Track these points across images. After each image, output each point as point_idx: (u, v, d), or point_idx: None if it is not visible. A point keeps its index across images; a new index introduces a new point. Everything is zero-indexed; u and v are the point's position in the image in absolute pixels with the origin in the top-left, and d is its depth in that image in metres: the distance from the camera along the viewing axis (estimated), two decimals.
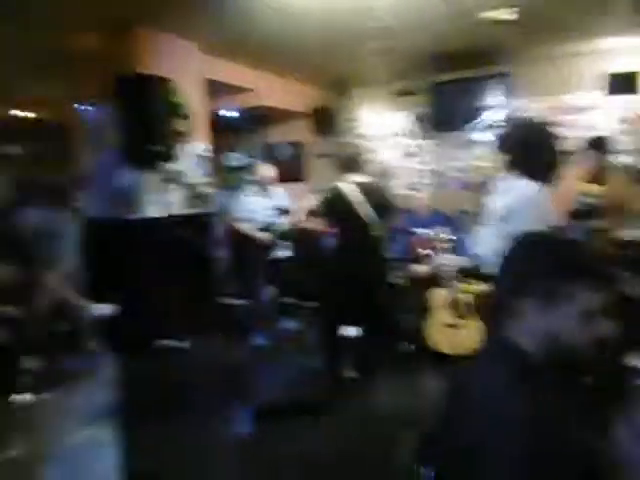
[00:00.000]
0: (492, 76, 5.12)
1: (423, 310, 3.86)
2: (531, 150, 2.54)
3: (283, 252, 4.41)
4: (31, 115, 6.48)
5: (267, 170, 4.31)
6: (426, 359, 3.49)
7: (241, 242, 4.22)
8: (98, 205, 4.31)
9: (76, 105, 4.36)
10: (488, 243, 2.77)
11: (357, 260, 3.13)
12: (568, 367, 0.97)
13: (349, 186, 3.10)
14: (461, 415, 0.98)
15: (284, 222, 4.26)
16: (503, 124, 5.07)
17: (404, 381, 2.75)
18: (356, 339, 3.61)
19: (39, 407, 3.14)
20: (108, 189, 4.16)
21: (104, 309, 3.47)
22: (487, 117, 5.13)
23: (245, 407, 3.02)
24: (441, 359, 3.53)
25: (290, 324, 4.67)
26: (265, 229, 4.18)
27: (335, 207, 3.18)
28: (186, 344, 3.68)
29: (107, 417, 3.00)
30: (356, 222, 3.09)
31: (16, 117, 6.43)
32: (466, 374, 1.07)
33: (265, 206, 4.26)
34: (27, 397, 3.14)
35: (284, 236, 4.29)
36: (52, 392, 3.36)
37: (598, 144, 3.83)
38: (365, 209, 3.06)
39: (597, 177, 3.78)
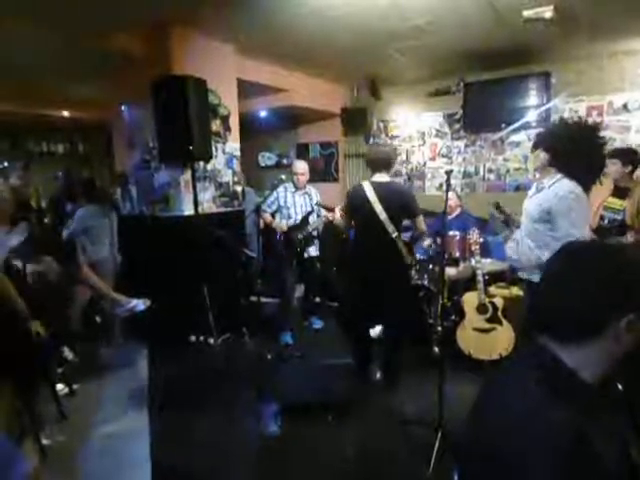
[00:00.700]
0: (530, 75, 4.99)
1: (454, 313, 3.83)
2: (577, 150, 2.47)
3: (315, 251, 4.44)
4: (74, 115, 6.74)
5: (301, 165, 4.34)
6: (455, 363, 3.45)
7: (272, 240, 4.28)
8: (135, 202, 4.46)
9: (116, 106, 4.51)
10: (523, 246, 2.74)
11: (370, 259, 3.15)
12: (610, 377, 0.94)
13: (368, 185, 3.12)
14: (491, 424, 0.96)
15: (317, 220, 4.28)
16: (541, 124, 4.95)
17: (431, 384, 2.73)
18: (382, 340, 3.61)
19: (76, 397, 3.28)
20: (145, 187, 4.30)
21: (138, 304, 3.59)
22: (524, 117, 5.01)
23: (271, 404, 3.07)
24: (470, 363, 3.49)
25: (318, 323, 4.70)
26: (298, 227, 4.21)
27: (353, 206, 3.23)
28: (216, 340, 3.75)
29: (139, 408, 3.11)
30: (370, 221, 3.11)
31: (61, 117, 6.71)
32: (499, 383, 1.04)
33: (301, 202, 4.31)
34: (66, 387, 3.29)
35: (311, 235, 4.30)
36: (88, 382, 3.51)
37: (623, 154, 3.64)
38: (379, 208, 3.06)
39: (622, 189, 3.60)
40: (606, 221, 3.65)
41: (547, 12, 3.52)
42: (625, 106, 4.85)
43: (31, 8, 3.24)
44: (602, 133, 4.65)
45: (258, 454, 2.65)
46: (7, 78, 4.94)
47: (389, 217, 3.08)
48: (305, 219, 4.26)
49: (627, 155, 3.59)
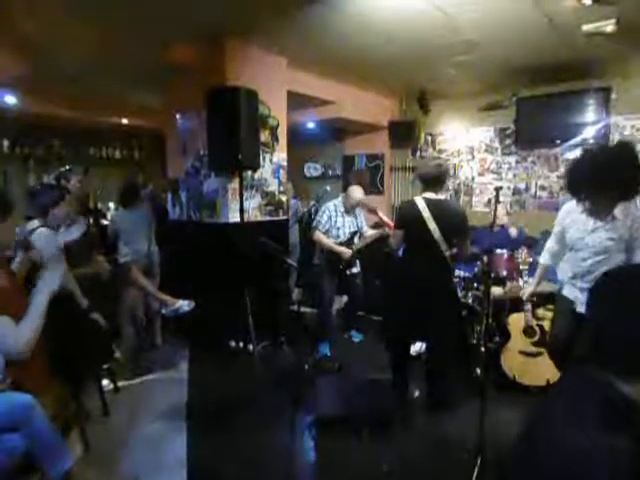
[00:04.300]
0: (588, 90, 4.80)
1: (499, 334, 3.69)
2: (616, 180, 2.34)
3: (357, 268, 4.46)
4: (132, 122, 7.06)
5: (357, 192, 4.36)
6: (498, 386, 3.33)
7: (320, 253, 4.35)
8: (184, 207, 4.60)
9: (171, 114, 4.69)
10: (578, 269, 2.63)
11: (421, 276, 3.06)
12: None
13: (421, 201, 3.06)
14: (551, 458, 0.92)
15: (361, 240, 4.34)
16: (600, 141, 4.75)
17: (472, 406, 2.63)
18: (424, 357, 3.53)
19: (120, 394, 3.39)
20: (194, 193, 4.43)
21: (183, 305, 3.68)
22: (581, 134, 4.82)
23: (307, 415, 3.05)
24: (515, 387, 3.35)
25: (357, 336, 4.65)
26: (346, 243, 4.27)
27: (405, 222, 3.15)
28: (255, 347, 3.79)
29: (177, 410, 3.17)
30: (422, 238, 3.04)
31: (119, 124, 7.05)
32: (555, 416, 0.99)
33: (349, 223, 4.37)
34: (111, 383, 3.41)
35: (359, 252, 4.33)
36: (132, 381, 3.62)
37: None
38: (432, 226, 2.99)
39: None
40: None
41: (608, 26, 3.38)
42: None
43: (95, 19, 3.45)
44: None
45: (291, 465, 2.64)
46: (72, 87, 5.26)
47: (442, 235, 3.01)
48: (351, 239, 4.33)
49: None
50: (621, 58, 4.30)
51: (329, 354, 4.18)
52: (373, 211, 4.25)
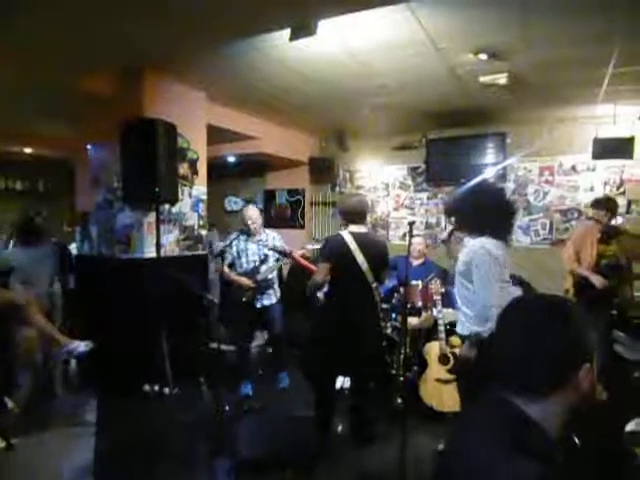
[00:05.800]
0: (487, 135, 5.30)
1: (416, 363, 3.81)
2: (479, 215, 2.60)
3: (269, 299, 4.19)
4: (36, 152, 6.60)
5: (252, 211, 4.15)
6: (418, 414, 3.40)
7: (228, 287, 4.17)
8: (94, 242, 4.33)
9: (81, 144, 4.46)
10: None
11: (348, 308, 3.10)
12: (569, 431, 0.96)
13: (348, 235, 3.13)
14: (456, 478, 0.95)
15: (267, 269, 4.11)
16: (499, 180, 5.23)
17: (393, 436, 2.67)
18: (347, 391, 3.54)
19: (15, 452, 3.00)
20: (105, 227, 4.19)
21: (79, 345, 3.38)
22: (483, 173, 5.27)
23: (227, 460, 2.91)
24: (433, 415, 3.45)
25: (281, 374, 4.53)
26: (250, 273, 4.06)
27: (332, 256, 3.18)
28: (172, 390, 3.57)
29: (84, 468, 2.87)
30: (351, 271, 3.10)
31: (22, 153, 6.55)
32: (464, 440, 1.02)
33: (251, 251, 4.13)
34: (3, 441, 3.01)
35: (263, 284, 4.12)
36: (30, 436, 3.23)
37: (605, 204, 4.02)
38: (360, 259, 3.07)
39: (605, 237, 3.94)
40: (602, 266, 3.96)
41: (502, 79, 3.80)
42: (574, 167, 5.19)
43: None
44: (554, 191, 5.04)
45: None
46: None
47: (370, 267, 3.09)
48: (256, 268, 4.07)
49: (609, 204, 4.11)
50: (513, 107, 4.83)
51: (250, 394, 4.03)
52: (289, 254, 3.92)
